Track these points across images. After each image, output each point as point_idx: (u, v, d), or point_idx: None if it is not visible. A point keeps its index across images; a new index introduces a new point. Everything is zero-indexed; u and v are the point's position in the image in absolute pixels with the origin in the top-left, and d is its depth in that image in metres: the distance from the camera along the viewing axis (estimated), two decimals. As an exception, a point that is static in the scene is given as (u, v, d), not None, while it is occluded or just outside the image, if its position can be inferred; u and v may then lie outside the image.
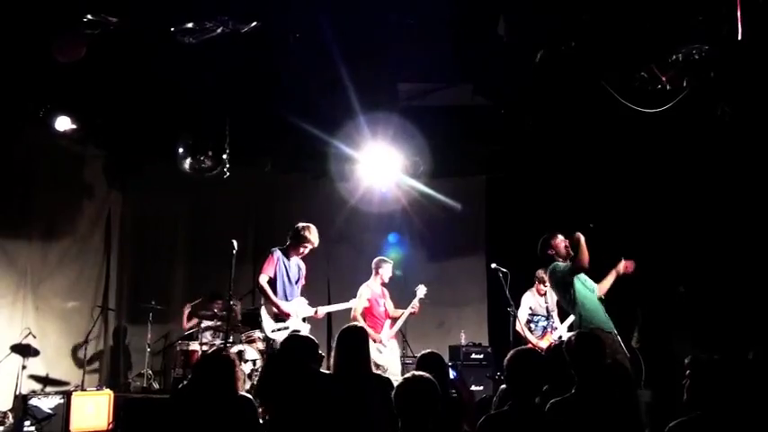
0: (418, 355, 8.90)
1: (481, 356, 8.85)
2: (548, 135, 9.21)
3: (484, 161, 10.79)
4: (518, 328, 8.26)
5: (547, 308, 8.37)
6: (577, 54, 6.86)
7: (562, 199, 10.31)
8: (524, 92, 8.24)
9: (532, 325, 8.50)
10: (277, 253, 7.72)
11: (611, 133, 8.83)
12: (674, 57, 6.53)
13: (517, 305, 8.41)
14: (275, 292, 7.56)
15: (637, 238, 9.90)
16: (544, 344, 8.13)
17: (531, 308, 8.53)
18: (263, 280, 7.55)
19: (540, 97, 8.28)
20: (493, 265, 8.17)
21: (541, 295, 8.55)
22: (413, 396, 3.14)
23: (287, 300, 7.63)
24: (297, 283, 7.80)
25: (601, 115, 8.20)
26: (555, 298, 8.44)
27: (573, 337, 3.75)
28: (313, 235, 7.74)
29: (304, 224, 7.80)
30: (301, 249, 7.74)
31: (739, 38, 5.84)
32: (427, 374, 3.24)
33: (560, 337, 8.00)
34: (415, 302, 8.38)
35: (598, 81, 7.33)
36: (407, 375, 3.25)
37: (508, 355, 3.64)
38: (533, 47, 7.00)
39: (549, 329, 8.35)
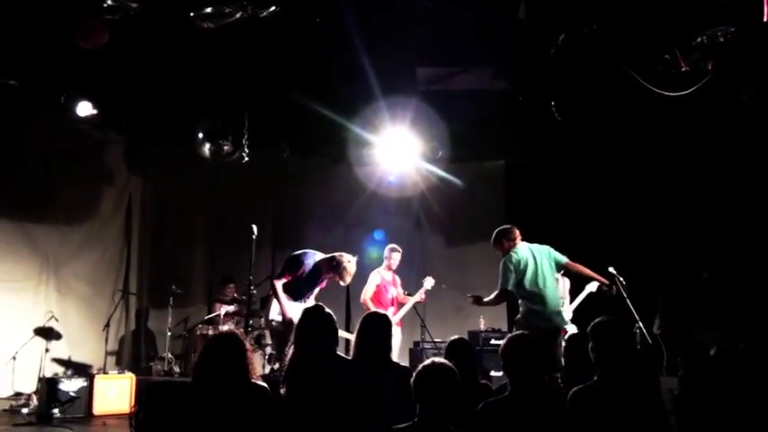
0: (437, 340, 9.09)
1: (500, 342, 8.81)
2: (568, 119, 9.12)
3: (503, 146, 10.71)
4: None
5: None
6: (599, 37, 6.77)
7: (581, 183, 10.26)
8: (545, 76, 8.16)
9: None
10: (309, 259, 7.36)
11: (633, 117, 8.73)
12: (699, 39, 6.42)
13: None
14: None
15: (659, 222, 9.85)
16: None
17: None
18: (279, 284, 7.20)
19: (560, 81, 8.19)
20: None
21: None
22: (430, 383, 3.13)
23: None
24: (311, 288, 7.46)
25: (622, 99, 8.10)
26: (566, 284, 8.41)
27: (598, 323, 3.71)
28: (349, 271, 7.21)
29: (349, 259, 7.24)
30: (332, 275, 7.31)
31: (765, 19, 5.75)
32: (446, 361, 3.23)
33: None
34: (421, 293, 8.35)
35: (620, 64, 7.24)
36: (426, 362, 3.23)
37: (502, 343, 3.64)
38: (555, 30, 6.93)
39: None
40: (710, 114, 8.18)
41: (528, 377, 3.44)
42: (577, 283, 8.66)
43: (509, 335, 3.84)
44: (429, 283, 8.40)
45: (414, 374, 3.20)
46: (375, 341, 4.25)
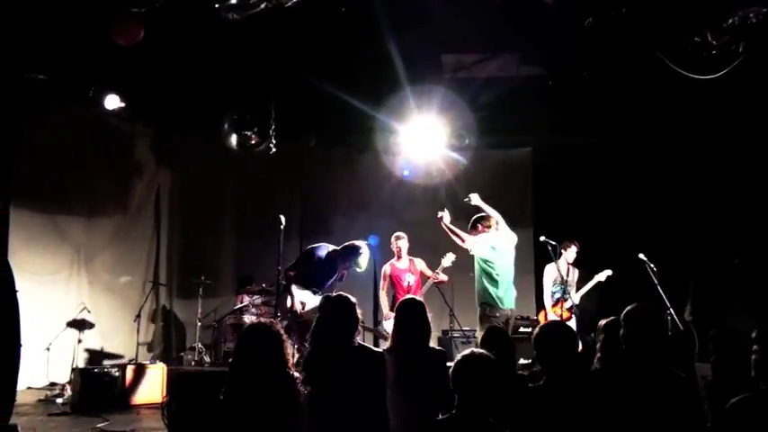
0: (466, 328, 9.06)
1: (529, 329, 8.76)
2: (595, 105, 9.02)
3: (530, 132, 10.62)
4: (544, 297, 8.49)
5: (565, 279, 8.27)
6: (628, 20, 6.67)
7: (609, 169, 10.14)
8: (572, 61, 8.07)
9: (556, 294, 8.48)
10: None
11: (663, 101, 8.61)
12: (730, 21, 6.29)
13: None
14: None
15: (689, 207, 9.71)
16: (554, 314, 8.23)
17: (553, 278, 8.46)
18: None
19: (588, 66, 8.09)
20: (542, 238, 8.07)
21: (566, 266, 8.46)
22: (471, 374, 3.09)
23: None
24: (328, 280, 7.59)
25: (652, 83, 7.98)
26: (576, 272, 8.38)
27: (631, 311, 3.66)
28: (365, 257, 7.54)
29: (362, 245, 7.55)
30: (348, 264, 7.54)
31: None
32: (486, 352, 3.18)
33: (571, 308, 8.05)
34: (439, 270, 8.12)
35: (649, 47, 7.13)
36: (466, 352, 3.18)
37: (535, 332, 3.59)
38: (582, 14, 6.84)
39: (561, 299, 8.27)
40: (742, 97, 8.02)
41: (562, 365, 3.40)
42: (586, 274, 8.69)
43: (542, 323, 3.80)
44: (449, 259, 8.10)
45: (453, 364, 3.16)
46: (413, 327, 4.26)
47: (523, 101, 9.24)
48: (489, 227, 7.28)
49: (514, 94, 8.97)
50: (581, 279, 8.83)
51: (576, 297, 8.35)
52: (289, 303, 7.44)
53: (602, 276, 8.51)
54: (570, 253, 8.46)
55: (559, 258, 8.25)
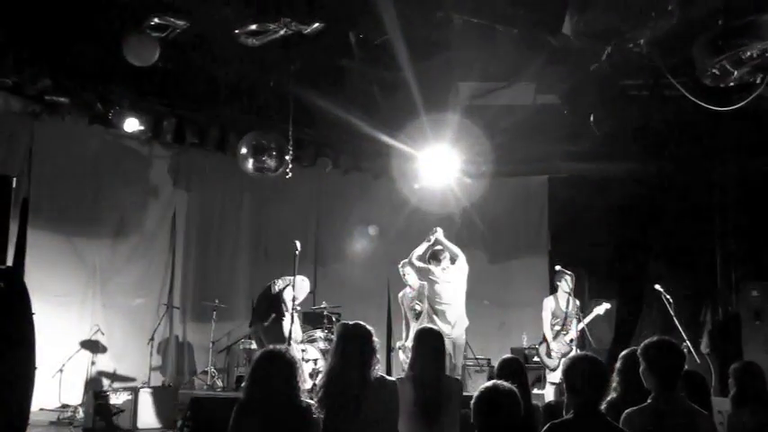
0: (479, 356, 9.00)
1: (539, 359, 8.70)
2: (612, 134, 9.01)
3: (546, 161, 10.62)
4: (544, 329, 8.35)
5: (566, 312, 8.19)
6: (645, 51, 6.68)
7: (625, 199, 10.11)
8: (589, 90, 8.08)
9: (555, 327, 8.37)
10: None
11: (679, 131, 8.59)
12: (749, 53, 6.27)
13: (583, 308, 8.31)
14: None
15: (705, 238, 9.66)
16: (555, 345, 8.12)
17: (552, 310, 8.37)
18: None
19: (604, 96, 8.10)
20: (557, 267, 8.05)
21: (564, 293, 8.36)
22: (494, 409, 3.04)
23: None
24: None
25: (669, 113, 7.98)
26: (576, 302, 8.30)
27: (651, 344, 3.62)
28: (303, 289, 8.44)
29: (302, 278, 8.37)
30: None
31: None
32: (509, 385, 3.13)
33: (571, 341, 8.02)
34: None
35: (666, 78, 7.13)
36: (488, 385, 3.13)
37: (565, 363, 3.54)
38: (600, 44, 6.86)
39: (561, 332, 8.19)
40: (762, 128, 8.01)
41: (592, 399, 3.35)
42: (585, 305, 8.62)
43: (572, 355, 3.76)
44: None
45: (476, 396, 3.11)
46: (432, 356, 4.26)
47: (540, 129, 9.26)
48: (441, 260, 7.73)
49: (531, 122, 8.99)
50: (583, 308, 8.73)
51: (573, 331, 8.19)
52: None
53: (600, 309, 8.35)
54: (565, 283, 8.31)
55: (558, 290, 8.20)
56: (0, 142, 8.23)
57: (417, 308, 8.07)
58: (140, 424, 7.44)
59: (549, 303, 8.42)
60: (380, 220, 10.79)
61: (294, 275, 7.61)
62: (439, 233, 7.91)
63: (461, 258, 7.86)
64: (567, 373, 3.43)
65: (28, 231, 8.41)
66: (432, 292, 7.69)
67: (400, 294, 8.25)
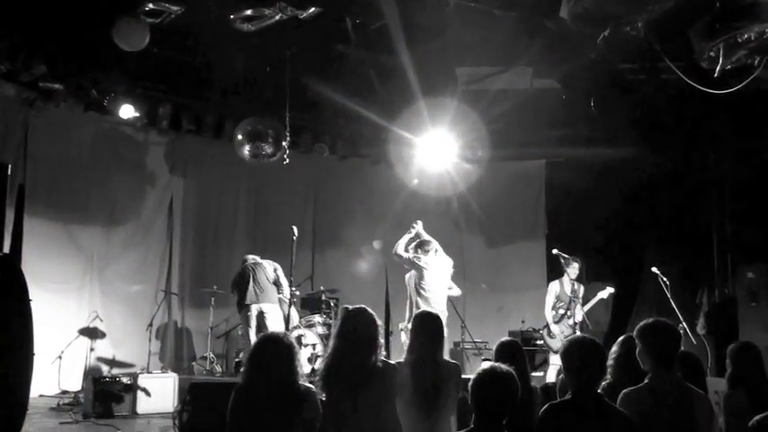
0: (477, 340, 9.04)
1: (541, 342, 8.75)
2: (609, 117, 9.00)
3: (543, 145, 10.61)
4: (545, 312, 8.40)
5: (570, 296, 8.25)
6: (643, 33, 6.65)
7: (622, 182, 10.11)
8: (586, 74, 8.06)
9: (560, 310, 8.43)
10: None
11: (675, 114, 8.58)
12: (746, 35, 6.25)
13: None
14: None
15: (701, 220, 9.68)
16: (556, 328, 8.19)
17: (556, 293, 8.43)
18: None
19: (602, 79, 8.08)
20: (554, 251, 8.07)
21: (570, 281, 8.43)
22: (491, 391, 3.06)
23: None
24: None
25: (666, 97, 7.96)
26: (581, 288, 8.35)
27: (647, 326, 3.64)
28: None
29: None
30: None
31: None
32: (506, 367, 3.16)
33: (575, 323, 8.09)
34: None
35: (663, 61, 7.11)
36: (486, 368, 3.15)
37: (563, 345, 3.57)
38: (597, 28, 6.83)
39: (566, 316, 8.25)
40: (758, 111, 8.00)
41: (591, 380, 3.37)
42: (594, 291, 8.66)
43: (569, 337, 3.78)
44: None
45: (473, 379, 3.13)
46: (431, 339, 4.27)
47: (537, 113, 9.24)
48: (428, 251, 7.84)
49: (528, 106, 8.97)
50: (588, 293, 8.77)
51: (578, 314, 8.27)
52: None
53: (604, 294, 8.45)
54: (573, 269, 8.38)
55: (562, 276, 8.24)
56: (-5, 129, 8.21)
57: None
58: (140, 409, 7.48)
59: (553, 287, 8.49)
60: (378, 206, 10.79)
61: (292, 261, 7.62)
62: (419, 226, 8.08)
63: (441, 251, 8.02)
64: (565, 354, 3.46)
65: (24, 219, 8.38)
66: (419, 279, 7.78)
67: (407, 276, 8.30)
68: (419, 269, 7.79)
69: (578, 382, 3.37)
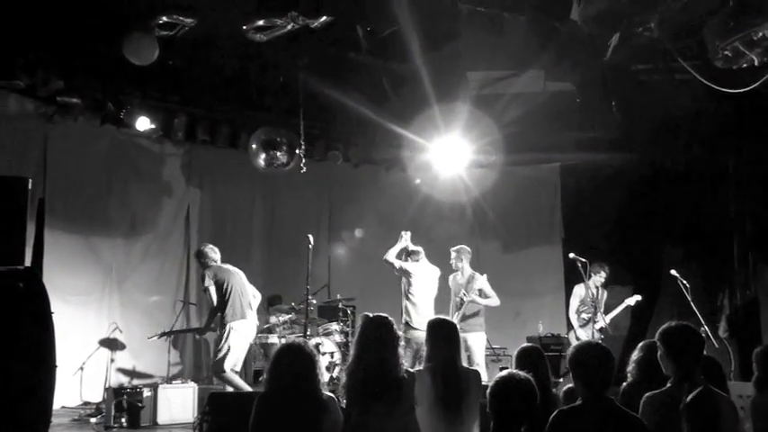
0: (495, 346, 9.00)
1: (560, 347, 8.71)
2: (624, 119, 8.95)
3: (557, 148, 10.56)
4: (570, 314, 8.55)
5: (594, 301, 8.23)
6: (656, 34, 6.62)
7: (638, 185, 10.05)
8: (599, 76, 8.03)
9: (584, 314, 8.44)
10: None
11: (693, 115, 8.52)
12: (761, 33, 6.21)
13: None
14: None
15: (721, 223, 9.59)
16: (582, 333, 8.27)
17: (580, 298, 8.43)
18: None
19: (616, 81, 8.05)
20: (571, 255, 8.05)
21: (595, 288, 8.42)
22: (510, 398, 3.06)
23: None
24: None
25: (681, 97, 7.91)
26: (605, 293, 8.36)
27: (670, 329, 3.60)
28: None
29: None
30: None
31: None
32: (525, 374, 3.14)
33: (600, 329, 8.15)
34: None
35: (677, 61, 7.08)
36: (504, 374, 3.14)
37: (571, 351, 3.54)
38: (609, 29, 6.81)
39: (591, 321, 8.22)
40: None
41: (599, 385, 3.35)
42: (614, 295, 8.63)
43: (578, 342, 3.76)
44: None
45: (491, 385, 3.13)
46: (448, 346, 4.27)
47: (551, 117, 9.21)
48: (418, 260, 8.25)
49: (541, 110, 8.95)
50: (610, 298, 8.75)
51: (604, 320, 8.26)
52: None
53: (631, 301, 8.46)
54: (599, 277, 8.40)
55: (589, 279, 8.21)
56: (15, 144, 8.30)
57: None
58: (160, 420, 7.52)
59: (578, 290, 8.52)
60: (393, 212, 10.79)
61: (308, 269, 7.64)
62: (407, 236, 8.39)
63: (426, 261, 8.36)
64: (574, 360, 3.44)
65: (45, 232, 8.47)
66: (408, 286, 8.13)
67: (450, 277, 8.42)
68: (408, 276, 8.09)
69: (588, 388, 3.35)
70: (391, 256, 8.22)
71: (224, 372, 7.36)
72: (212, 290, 7.59)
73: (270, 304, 9.86)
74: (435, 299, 8.31)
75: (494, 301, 8.27)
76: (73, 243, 8.96)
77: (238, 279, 7.79)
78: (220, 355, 7.44)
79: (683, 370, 3.50)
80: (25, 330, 3.82)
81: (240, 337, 7.58)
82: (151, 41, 7.10)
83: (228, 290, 7.58)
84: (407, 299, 8.10)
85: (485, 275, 8.28)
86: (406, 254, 8.31)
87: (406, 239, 8.35)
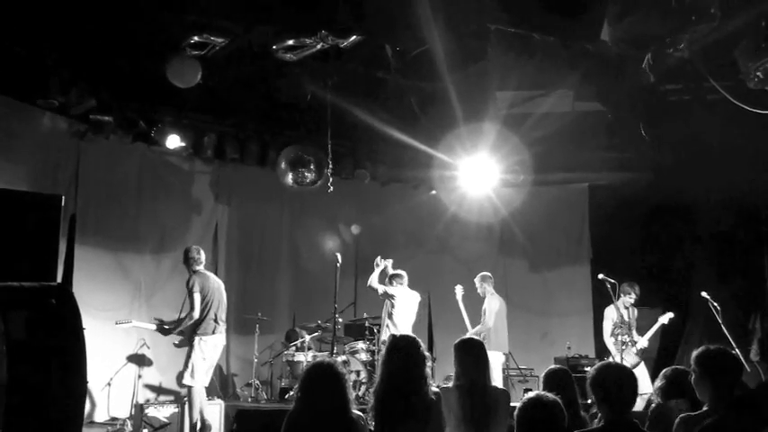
0: (522, 366, 8.93)
1: (588, 369, 8.60)
2: (654, 139, 8.89)
3: (585, 168, 10.51)
4: (605, 339, 8.45)
5: (628, 322, 8.14)
6: (687, 55, 6.58)
7: (667, 206, 9.95)
8: (628, 97, 7.99)
9: (620, 337, 8.33)
10: None
11: (723, 136, 8.43)
12: (794, 54, 6.15)
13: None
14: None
15: (752, 244, 9.46)
16: (625, 357, 8.01)
17: (613, 321, 8.32)
18: None
19: (646, 102, 8.01)
20: (600, 276, 7.97)
21: (625, 308, 8.32)
22: (537, 421, 3.03)
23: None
24: None
25: (711, 118, 7.84)
26: (635, 313, 8.28)
27: (706, 353, 3.55)
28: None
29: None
30: None
31: None
32: (553, 396, 3.12)
33: (641, 350, 8.14)
34: None
35: (708, 81, 7.02)
36: (532, 396, 3.12)
37: (592, 373, 3.49)
38: (639, 50, 6.78)
39: (629, 343, 8.10)
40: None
41: (621, 406, 3.31)
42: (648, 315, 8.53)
43: (599, 363, 3.72)
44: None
45: (518, 407, 3.11)
46: (476, 365, 4.25)
47: (579, 137, 9.18)
48: (401, 284, 8.57)
49: (570, 129, 8.92)
50: (640, 318, 8.64)
51: (643, 341, 8.18)
52: None
53: (664, 319, 8.35)
54: (629, 298, 8.31)
55: (618, 299, 8.12)
56: (49, 162, 8.44)
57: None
58: (187, 437, 7.53)
59: (609, 313, 8.42)
60: (420, 230, 10.79)
61: (336, 288, 7.67)
62: (389, 263, 8.76)
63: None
64: (595, 382, 3.39)
65: (75, 248, 8.57)
66: (391, 308, 8.43)
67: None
68: (392, 299, 8.43)
69: (611, 410, 3.30)
70: (374, 281, 8.53)
71: (193, 386, 7.32)
72: (197, 297, 7.56)
73: (287, 339, 9.82)
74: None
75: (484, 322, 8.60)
76: (103, 259, 9.05)
77: (218, 294, 7.76)
78: (191, 367, 7.42)
79: (720, 393, 3.44)
80: (58, 345, 3.86)
81: (211, 351, 7.59)
82: (194, 64, 7.23)
83: (209, 303, 7.60)
84: (390, 320, 8.38)
85: (491, 296, 8.74)
86: (389, 277, 8.62)
87: (383, 264, 8.70)
